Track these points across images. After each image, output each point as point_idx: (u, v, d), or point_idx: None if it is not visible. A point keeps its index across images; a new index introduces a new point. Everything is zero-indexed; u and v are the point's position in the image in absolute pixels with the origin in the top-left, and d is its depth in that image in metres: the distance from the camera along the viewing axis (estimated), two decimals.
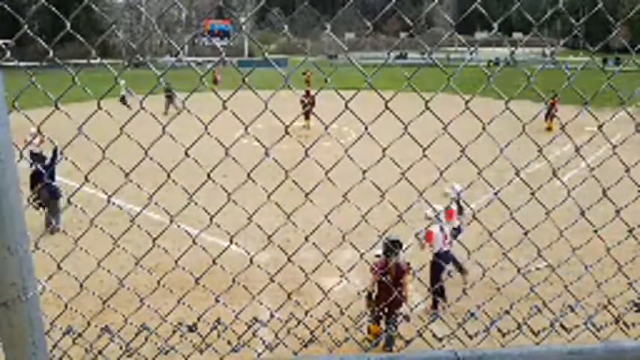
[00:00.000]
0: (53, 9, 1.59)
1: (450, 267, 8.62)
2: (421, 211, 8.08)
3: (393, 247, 6.82)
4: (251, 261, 2.16)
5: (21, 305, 1.22)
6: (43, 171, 6.91)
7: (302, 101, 21.96)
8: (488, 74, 1.89)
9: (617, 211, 2.10)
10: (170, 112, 27.06)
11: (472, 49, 1.98)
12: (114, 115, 1.72)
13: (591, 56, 2.14)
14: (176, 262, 2.19)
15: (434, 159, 1.98)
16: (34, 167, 8.53)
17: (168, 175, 1.88)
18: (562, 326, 2.15)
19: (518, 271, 2.35)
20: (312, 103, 20.79)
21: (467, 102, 1.81)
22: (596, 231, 2.18)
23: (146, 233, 2.08)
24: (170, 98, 27.02)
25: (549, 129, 21.71)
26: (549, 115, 21.61)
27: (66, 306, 1.93)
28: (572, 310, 2.20)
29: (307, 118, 22.32)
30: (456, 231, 8.69)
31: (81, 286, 1.85)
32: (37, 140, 12.95)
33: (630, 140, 2.26)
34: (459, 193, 8.80)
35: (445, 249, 8.23)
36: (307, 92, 24.02)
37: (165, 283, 2.15)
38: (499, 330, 2.16)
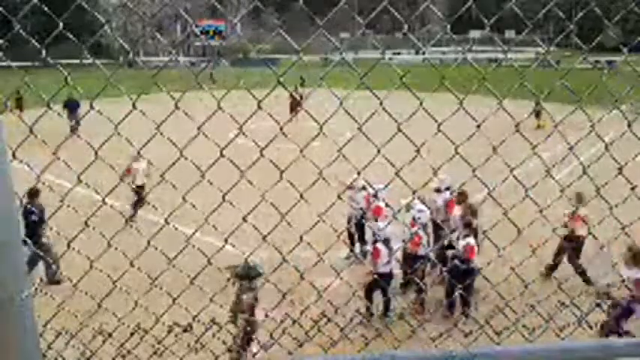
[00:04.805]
0: (46, 9, 1.58)
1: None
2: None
3: (249, 275, 4.88)
4: (246, 261, 2.16)
5: (14, 306, 1.21)
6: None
7: (291, 96, 22.36)
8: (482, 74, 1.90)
9: (611, 209, 2.11)
10: (74, 126, 20.67)
11: (467, 47, 1.98)
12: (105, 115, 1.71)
13: (584, 56, 2.15)
14: (170, 261, 2.19)
15: (427, 158, 1.98)
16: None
17: (162, 176, 1.88)
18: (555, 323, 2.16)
19: (512, 269, 2.36)
20: (301, 98, 21.59)
21: (461, 101, 1.82)
22: (589, 229, 2.18)
23: (140, 233, 2.07)
24: (71, 111, 20.84)
25: (539, 127, 21.83)
26: (539, 114, 21.78)
27: (61, 307, 1.92)
28: (566, 306, 2.21)
29: (295, 112, 22.58)
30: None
31: (74, 286, 1.85)
32: (141, 166, 10.23)
33: (623, 138, 2.28)
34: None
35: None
36: (296, 87, 24.51)
37: (160, 283, 2.15)
38: (493, 330, 2.16)
